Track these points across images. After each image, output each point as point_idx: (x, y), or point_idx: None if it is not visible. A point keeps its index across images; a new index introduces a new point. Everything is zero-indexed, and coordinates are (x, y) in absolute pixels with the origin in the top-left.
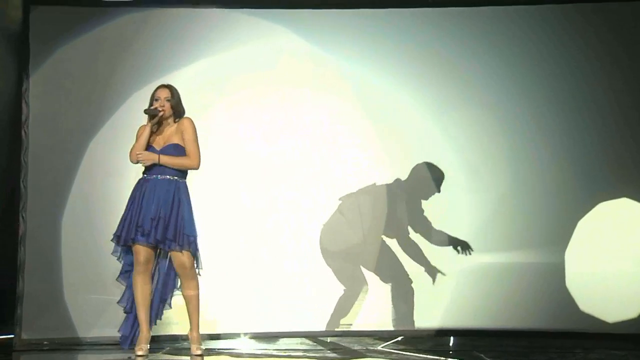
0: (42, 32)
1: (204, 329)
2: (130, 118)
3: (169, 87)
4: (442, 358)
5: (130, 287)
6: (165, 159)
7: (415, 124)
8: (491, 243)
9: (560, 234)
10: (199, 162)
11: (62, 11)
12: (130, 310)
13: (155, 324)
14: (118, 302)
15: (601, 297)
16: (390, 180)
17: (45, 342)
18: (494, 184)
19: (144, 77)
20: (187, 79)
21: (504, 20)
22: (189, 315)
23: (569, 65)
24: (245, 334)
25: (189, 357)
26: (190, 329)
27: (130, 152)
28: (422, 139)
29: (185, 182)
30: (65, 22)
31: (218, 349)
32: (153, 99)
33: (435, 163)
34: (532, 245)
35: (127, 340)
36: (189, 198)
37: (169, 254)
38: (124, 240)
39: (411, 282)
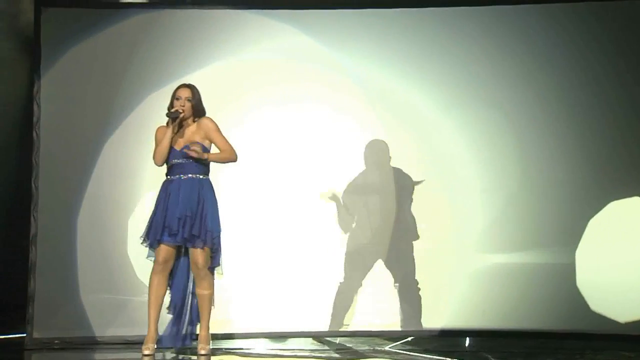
0: (53, 34)
1: (217, 329)
2: (142, 119)
3: (190, 87)
4: (447, 359)
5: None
6: (213, 157)
7: (425, 122)
8: (501, 243)
9: (571, 234)
10: (236, 154)
11: (73, 13)
12: (173, 312)
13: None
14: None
15: (613, 297)
16: (398, 179)
17: (56, 341)
18: (504, 184)
19: (155, 78)
20: (199, 79)
21: (515, 19)
22: (200, 314)
23: (579, 63)
24: (257, 333)
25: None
26: (200, 328)
27: (154, 155)
28: (430, 138)
29: (209, 179)
30: (75, 24)
31: (226, 349)
32: (174, 97)
33: (444, 162)
34: (542, 245)
35: (173, 339)
36: (214, 194)
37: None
38: (151, 242)
39: (418, 282)
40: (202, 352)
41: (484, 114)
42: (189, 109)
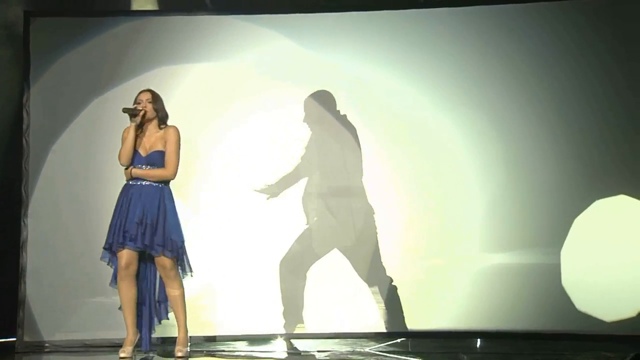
0: (42, 42)
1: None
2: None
3: (150, 91)
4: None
5: None
6: (139, 172)
7: (417, 123)
8: (486, 243)
9: (556, 233)
10: (175, 172)
11: (61, 22)
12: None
13: (160, 324)
14: (119, 309)
15: (599, 297)
16: (383, 180)
17: (46, 344)
18: (488, 184)
19: (143, 84)
20: (187, 85)
21: (504, 19)
22: (175, 316)
23: (569, 63)
24: (238, 336)
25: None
26: (178, 329)
27: (119, 155)
28: (422, 138)
29: (169, 188)
30: (64, 33)
31: (207, 351)
32: (135, 102)
33: (431, 162)
34: (527, 245)
35: (144, 342)
36: (174, 203)
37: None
38: (114, 246)
39: (394, 282)
40: (179, 354)
41: (472, 114)
42: (151, 110)
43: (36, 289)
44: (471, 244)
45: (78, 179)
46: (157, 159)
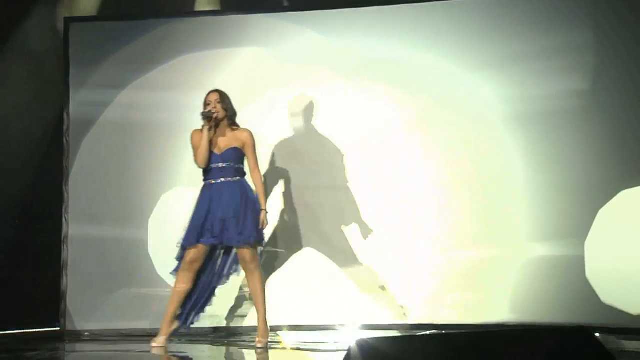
0: (81, 46)
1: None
2: (167, 123)
3: (218, 91)
4: None
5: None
6: (264, 203)
7: (455, 111)
8: (508, 236)
9: (580, 225)
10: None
11: (99, 26)
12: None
13: (203, 312)
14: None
15: (624, 289)
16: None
17: (86, 333)
18: (510, 176)
19: (176, 83)
20: (229, 82)
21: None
22: (255, 308)
23: (604, 48)
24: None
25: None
26: (258, 321)
27: (195, 158)
28: (458, 128)
29: (246, 180)
30: (102, 37)
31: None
32: (205, 103)
33: (444, 154)
34: (551, 237)
35: (182, 317)
36: (254, 195)
37: (234, 250)
38: (185, 244)
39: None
40: (259, 345)
41: (492, 106)
42: (221, 110)
43: (76, 281)
44: (494, 238)
45: (113, 177)
46: (231, 156)
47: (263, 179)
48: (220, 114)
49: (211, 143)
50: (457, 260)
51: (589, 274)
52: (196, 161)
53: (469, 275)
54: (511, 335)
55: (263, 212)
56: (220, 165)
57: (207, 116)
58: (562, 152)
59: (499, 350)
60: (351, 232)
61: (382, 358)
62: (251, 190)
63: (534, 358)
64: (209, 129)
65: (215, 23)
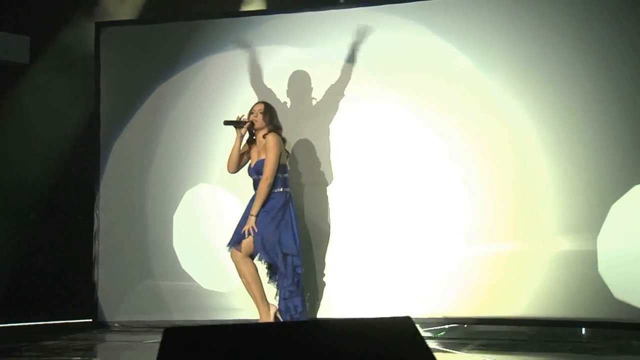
0: (112, 50)
1: None
2: (194, 127)
3: (265, 103)
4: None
5: None
6: (256, 208)
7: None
8: (520, 230)
9: (592, 219)
10: (270, 181)
11: (129, 30)
12: None
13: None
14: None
15: (637, 284)
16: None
17: (116, 325)
18: (521, 170)
19: (207, 83)
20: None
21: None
22: None
23: (619, 40)
24: None
25: None
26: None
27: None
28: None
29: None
30: (132, 40)
31: None
32: (250, 112)
33: (453, 150)
34: (563, 231)
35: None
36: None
37: None
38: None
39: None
40: None
41: (506, 102)
42: (260, 120)
43: (107, 274)
44: (504, 232)
45: (141, 175)
46: (262, 167)
47: (268, 188)
48: (259, 124)
49: (252, 154)
50: (481, 253)
51: (601, 269)
52: (227, 167)
53: (476, 271)
54: (334, 325)
55: (251, 217)
56: (254, 177)
57: (233, 125)
58: (574, 147)
59: (320, 341)
60: (375, 225)
61: (190, 347)
62: (293, 205)
63: (355, 348)
64: (241, 136)
65: (235, 23)
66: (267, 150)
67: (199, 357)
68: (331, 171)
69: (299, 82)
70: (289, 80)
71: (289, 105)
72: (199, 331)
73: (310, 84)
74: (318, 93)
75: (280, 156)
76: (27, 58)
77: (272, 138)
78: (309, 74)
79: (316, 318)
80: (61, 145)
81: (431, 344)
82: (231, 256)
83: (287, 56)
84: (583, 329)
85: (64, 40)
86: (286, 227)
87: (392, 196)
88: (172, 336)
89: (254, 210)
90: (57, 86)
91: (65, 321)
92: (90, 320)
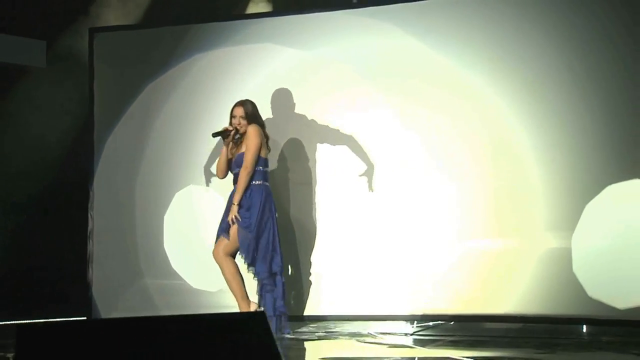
0: (104, 54)
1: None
2: (188, 130)
3: (243, 104)
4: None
5: None
6: (237, 197)
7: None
8: (496, 228)
9: (567, 218)
10: (250, 170)
11: (122, 35)
12: None
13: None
14: None
15: (611, 283)
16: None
17: None
18: (497, 168)
19: (201, 89)
20: (239, 82)
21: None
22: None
23: (585, 42)
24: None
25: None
26: None
27: (216, 170)
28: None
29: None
30: (125, 45)
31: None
32: (231, 116)
33: (442, 149)
34: (538, 229)
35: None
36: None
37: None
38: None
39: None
40: None
41: (478, 101)
42: (244, 124)
43: (101, 274)
44: (481, 230)
45: (133, 177)
46: (242, 159)
47: (247, 177)
48: (243, 128)
49: (236, 149)
50: (455, 252)
51: (576, 268)
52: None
53: (460, 268)
54: (186, 320)
55: (233, 207)
56: (235, 171)
57: (221, 136)
58: (550, 146)
59: (167, 336)
60: (366, 222)
61: (43, 344)
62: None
63: (204, 342)
64: (227, 145)
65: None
66: (247, 140)
67: (52, 355)
68: (319, 170)
69: (288, 86)
70: (274, 89)
71: (279, 106)
72: (51, 329)
73: (299, 86)
74: (305, 95)
75: (260, 147)
76: (43, 62)
77: (252, 129)
78: (298, 75)
79: (173, 315)
80: (55, 147)
81: (418, 341)
82: (213, 255)
83: (280, 58)
84: (584, 326)
85: (58, 44)
86: (266, 226)
87: (381, 195)
88: (25, 335)
89: (236, 199)
90: (52, 88)
91: (60, 319)
92: (85, 318)
